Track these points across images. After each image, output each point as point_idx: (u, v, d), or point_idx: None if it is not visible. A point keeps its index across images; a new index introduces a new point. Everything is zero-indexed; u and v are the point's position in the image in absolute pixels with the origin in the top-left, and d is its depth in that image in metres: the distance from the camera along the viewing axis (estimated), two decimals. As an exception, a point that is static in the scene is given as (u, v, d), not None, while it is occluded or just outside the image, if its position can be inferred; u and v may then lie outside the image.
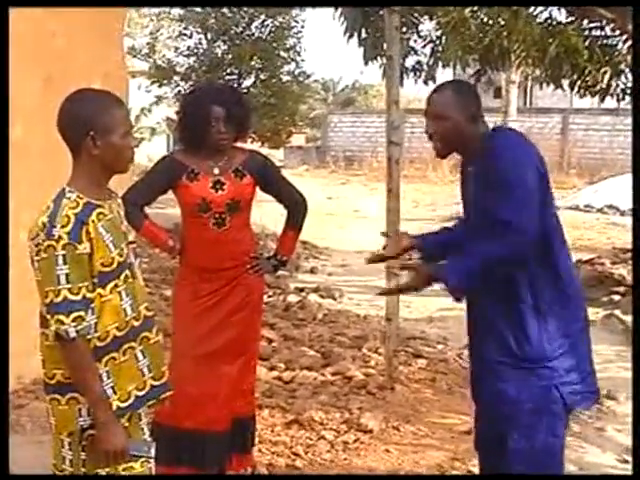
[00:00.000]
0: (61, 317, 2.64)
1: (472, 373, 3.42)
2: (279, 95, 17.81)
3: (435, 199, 20.18)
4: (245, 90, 17.21)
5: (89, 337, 2.71)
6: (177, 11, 18.70)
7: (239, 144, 4.26)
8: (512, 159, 3.11)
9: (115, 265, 2.77)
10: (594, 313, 8.09)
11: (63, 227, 2.65)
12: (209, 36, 17.99)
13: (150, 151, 25.38)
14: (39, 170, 5.69)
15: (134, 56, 19.12)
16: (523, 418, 3.11)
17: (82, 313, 2.67)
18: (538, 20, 8.41)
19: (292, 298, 9.18)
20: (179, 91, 17.90)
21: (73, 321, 2.64)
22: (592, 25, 8.94)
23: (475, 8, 7.87)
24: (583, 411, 3.66)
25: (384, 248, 3.60)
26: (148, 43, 19.60)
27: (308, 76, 19.22)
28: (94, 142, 2.74)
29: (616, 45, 8.93)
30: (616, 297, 8.99)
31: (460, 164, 3.51)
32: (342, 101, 47.55)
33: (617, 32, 8.75)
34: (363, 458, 4.83)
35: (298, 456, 4.80)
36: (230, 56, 17.79)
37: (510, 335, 3.11)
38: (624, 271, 9.75)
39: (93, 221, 2.71)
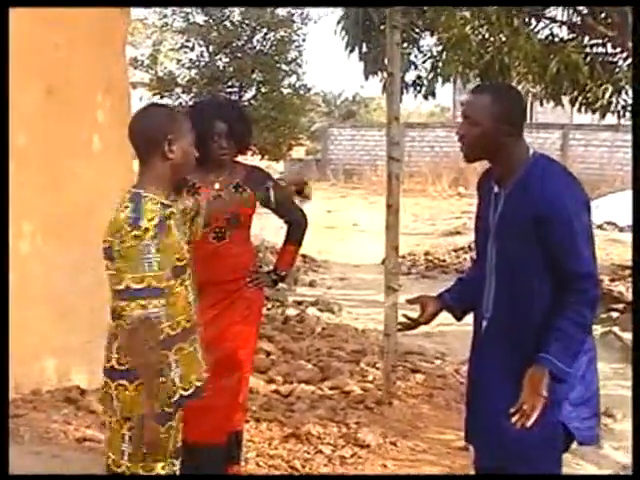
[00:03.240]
0: (143, 302, 2.79)
1: (472, 410, 3.33)
2: (280, 108, 17.84)
3: (434, 213, 20.19)
4: (246, 103, 17.25)
5: (162, 327, 2.88)
6: (179, 23, 18.76)
7: (240, 159, 4.29)
8: (576, 203, 3.01)
9: (185, 261, 2.99)
10: (592, 330, 8.07)
11: (150, 220, 2.83)
12: (211, 49, 18.05)
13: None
14: (40, 180, 5.71)
15: (136, 67, 19.15)
16: (530, 454, 3.05)
17: (163, 300, 2.84)
18: (539, 37, 8.46)
19: (291, 311, 9.17)
20: (180, 103, 17.93)
21: (155, 307, 2.81)
22: (593, 42, 8.99)
23: (476, 24, 7.92)
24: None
25: (419, 316, 3.41)
26: (150, 55, 19.64)
27: (309, 89, 19.26)
28: (170, 146, 2.92)
29: (617, 62, 8.98)
30: (615, 314, 8.97)
31: (480, 179, 3.34)
32: (342, 114, 47.57)
33: (618, 49, 8.80)
34: (360, 472, 4.82)
35: (295, 470, 4.79)
36: (232, 69, 17.85)
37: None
38: (623, 288, 9.75)
39: (169, 219, 2.91)
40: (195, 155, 3.05)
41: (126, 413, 2.92)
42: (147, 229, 2.80)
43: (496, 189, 3.15)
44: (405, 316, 3.49)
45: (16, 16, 4.85)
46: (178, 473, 3.13)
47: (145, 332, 2.81)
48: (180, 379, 2.99)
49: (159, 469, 2.97)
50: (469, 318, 3.42)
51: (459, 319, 3.47)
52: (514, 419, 2.90)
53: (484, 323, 3.21)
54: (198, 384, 3.09)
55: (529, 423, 2.88)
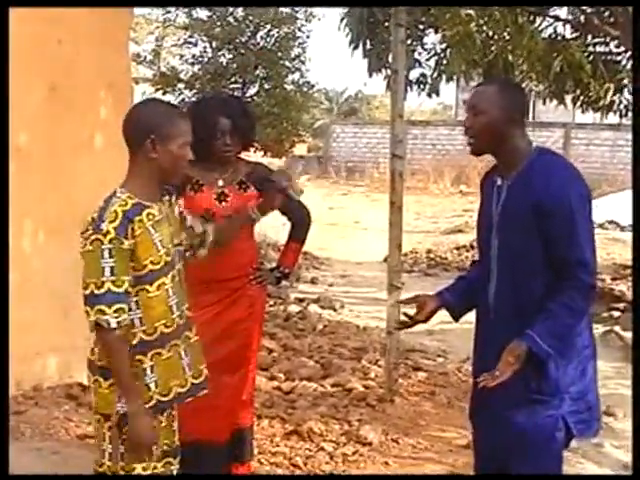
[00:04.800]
0: (103, 307, 2.75)
1: (475, 398, 3.35)
2: (283, 104, 17.79)
3: (436, 211, 20.18)
4: (249, 99, 17.22)
5: (134, 330, 2.85)
6: (183, 19, 18.73)
7: (243, 155, 4.28)
8: (578, 196, 3.03)
9: (162, 264, 2.90)
10: (594, 329, 8.07)
11: (111, 222, 2.78)
12: (214, 44, 18.00)
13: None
14: (42, 178, 5.70)
15: (139, 63, 19.13)
16: (529, 447, 3.07)
17: (124, 305, 2.78)
18: (542, 35, 8.44)
19: (293, 308, 9.18)
20: (183, 99, 17.91)
21: (115, 312, 2.76)
22: (596, 41, 8.98)
23: (481, 22, 7.91)
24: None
25: (416, 314, 3.42)
26: (153, 50, 19.61)
27: (312, 86, 19.21)
28: (153, 147, 2.86)
29: (619, 61, 8.97)
30: (616, 313, 8.98)
31: (483, 178, 3.37)
32: (345, 111, 47.52)
33: (621, 48, 8.79)
34: (362, 470, 4.83)
35: (297, 467, 4.80)
36: (235, 65, 17.79)
37: (530, 369, 3.02)
38: (624, 287, 9.75)
39: (141, 220, 2.84)
40: (188, 159, 2.96)
41: (100, 410, 2.92)
42: (107, 232, 2.75)
43: (499, 182, 3.18)
44: (404, 314, 3.51)
45: (18, 14, 4.85)
46: (176, 472, 3.12)
47: (105, 338, 2.79)
48: (156, 385, 2.93)
49: (140, 470, 2.93)
50: (470, 316, 3.42)
51: (456, 319, 3.48)
52: (480, 378, 2.99)
53: (486, 315, 3.22)
54: (180, 390, 3.02)
55: (491, 384, 2.94)
